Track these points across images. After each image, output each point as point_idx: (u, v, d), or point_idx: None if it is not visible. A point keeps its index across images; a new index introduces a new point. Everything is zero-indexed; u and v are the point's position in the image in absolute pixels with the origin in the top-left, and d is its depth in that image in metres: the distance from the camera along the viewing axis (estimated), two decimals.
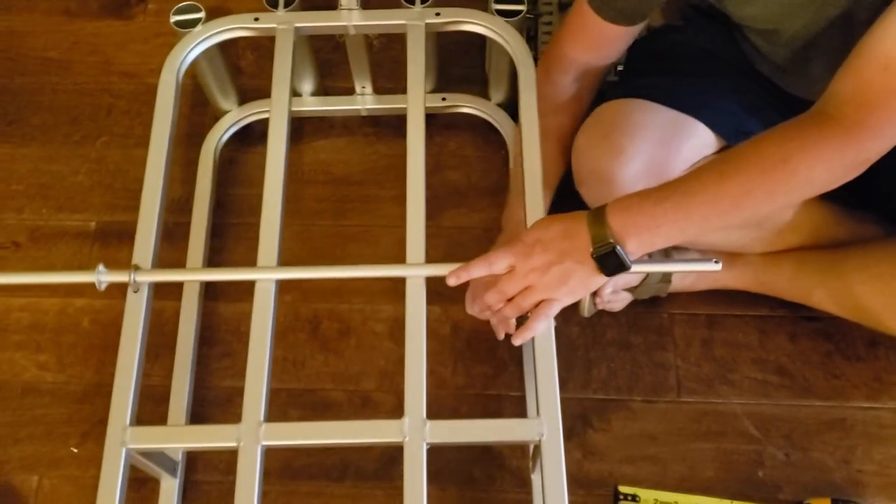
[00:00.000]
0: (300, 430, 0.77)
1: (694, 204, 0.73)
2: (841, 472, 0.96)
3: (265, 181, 0.87)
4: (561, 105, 0.96)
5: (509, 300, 0.81)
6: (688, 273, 1.01)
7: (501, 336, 0.93)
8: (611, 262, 0.75)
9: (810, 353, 1.03)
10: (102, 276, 0.79)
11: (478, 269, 0.79)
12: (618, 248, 0.74)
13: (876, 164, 0.74)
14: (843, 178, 0.73)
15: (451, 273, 0.78)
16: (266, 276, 0.81)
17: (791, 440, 0.98)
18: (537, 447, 0.73)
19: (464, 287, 1.07)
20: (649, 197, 0.75)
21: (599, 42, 0.91)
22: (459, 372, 1.03)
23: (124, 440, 0.73)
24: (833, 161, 0.71)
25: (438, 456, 0.96)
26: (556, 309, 0.78)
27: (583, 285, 0.78)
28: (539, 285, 0.77)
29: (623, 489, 0.94)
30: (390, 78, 1.22)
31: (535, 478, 0.91)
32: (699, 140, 0.91)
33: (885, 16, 0.69)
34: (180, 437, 0.80)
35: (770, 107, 0.93)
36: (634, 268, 0.79)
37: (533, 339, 0.78)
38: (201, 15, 1.00)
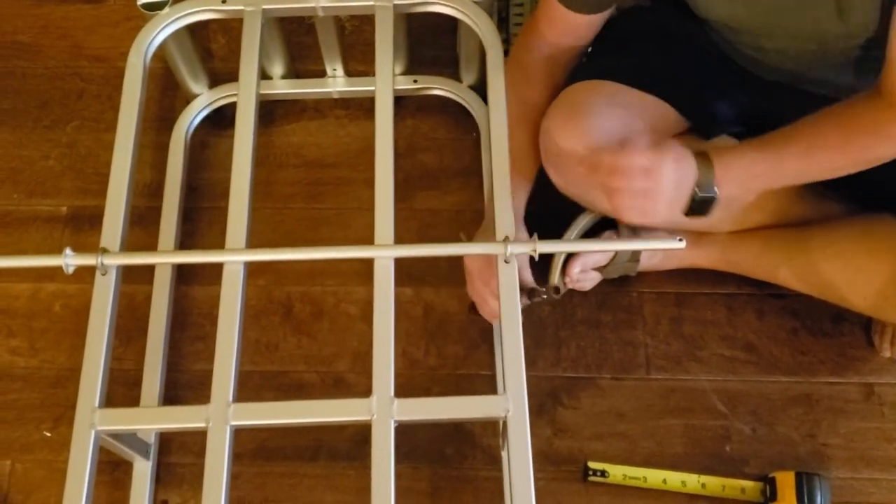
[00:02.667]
0: (268, 410, 0.77)
1: (783, 169, 0.81)
2: (806, 445, 0.98)
3: (233, 163, 0.87)
4: (532, 75, 0.95)
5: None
6: (656, 252, 1.02)
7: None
8: (703, 206, 0.80)
9: (777, 329, 1.04)
10: (70, 260, 0.79)
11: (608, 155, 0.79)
12: (717, 194, 0.79)
13: None
14: None
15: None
16: (234, 258, 0.81)
17: (757, 415, 1.00)
18: (505, 424, 0.74)
19: (435, 270, 1.08)
20: (746, 154, 0.81)
21: (570, 29, 0.91)
22: (431, 353, 1.04)
23: (93, 422, 0.73)
24: None
25: (411, 435, 0.97)
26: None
27: (657, 212, 0.80)
28: (630, 194, 0.79)
29: (592, 465, 0.96)
30: (362, 60, 1.22)
31: (505, 455, 0.92)
32: (665, 121, 0.92)
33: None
34: (149, 419, 0.80)
35: (736, 86, 0.94)
36: (602, 246, 0.80)
37: (500, 316, 0.78)
38: None
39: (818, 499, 0.91)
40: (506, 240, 0.79)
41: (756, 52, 0.89)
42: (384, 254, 0.80)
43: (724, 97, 0.94)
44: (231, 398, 0.75)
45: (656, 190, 0.78)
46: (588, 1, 0.87)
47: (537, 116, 0.95)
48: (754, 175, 0.81)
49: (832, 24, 0.79)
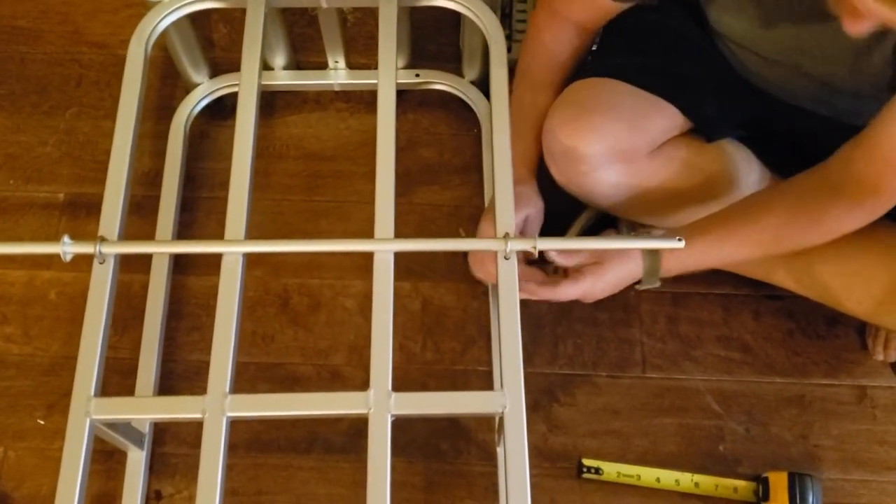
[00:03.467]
0: (265, 401, 0.77)
1: (726, 249, 0.86)
2: (798, 446, 0.99)
3: (233, 154, 0.86)
4: (540, 88, 0.95)
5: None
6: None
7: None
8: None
9: (772, 330, 1.05)
10: (67, 248, 0.79)
11: (544, 297, 0.87)
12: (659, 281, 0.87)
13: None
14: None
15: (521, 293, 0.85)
16: (233, 249, 0.81)
17: (751, 415, 1.00)
18: (501, 420, 0.74)
19: (433, 264, 1.08)
20: (693, 253, 0.85)
21: (591, 11, 0.90)
22: (428, 347, 1.04)
23: (88, 411, 0.73)
24: (858, 221, 0.82)
25: (406, 429, 0.97)
26: None
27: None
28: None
29: (587, 462, 0.96)
30: (364, 53, 1.22)
31: (501, 450, 0.93)
32: (668, 122, 0.92)
33: (892, 112, 0.72)
34: (145, 408, 0.80)
35: (741, 92, 0.94)
36: (597, 244, 0.82)
37: (498, 311, 0.78)
38: None
39: (810, 499, 0.92)
40: (506, 236, 0.79)
41: (760, 71, 0.90)
42: (384, 248, 0.80)
43: (728, 101, 0.94)
44: (228, 389, 0.74)
45: (587, 300, 0.87)
46: None
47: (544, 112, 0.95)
48: (700, 263, 0.88)
49: (844, 77, 0.80)
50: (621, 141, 0.89)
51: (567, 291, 0.85)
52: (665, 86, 0.91)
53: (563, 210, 1.03)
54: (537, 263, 0.89)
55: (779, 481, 0.93)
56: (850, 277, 0.90)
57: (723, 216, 0.87)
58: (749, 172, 0.95)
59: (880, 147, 0.75)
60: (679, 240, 0.79)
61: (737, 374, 1.03)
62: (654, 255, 0.85)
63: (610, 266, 0.85)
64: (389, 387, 0.74)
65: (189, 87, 1.17)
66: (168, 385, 1.01)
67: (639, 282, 0.87)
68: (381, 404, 0.73)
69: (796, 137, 0.94)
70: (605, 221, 1.05)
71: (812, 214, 0.82)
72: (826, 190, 0.81)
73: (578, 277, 0.85)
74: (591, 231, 1.05)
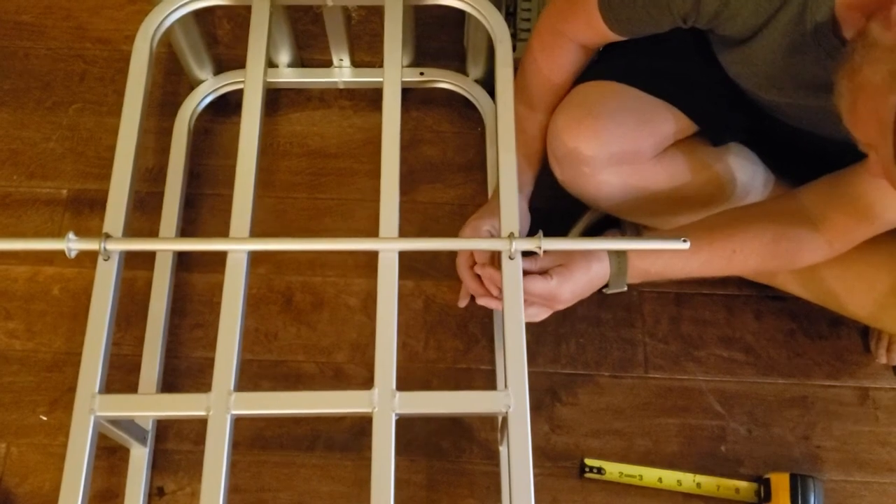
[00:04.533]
0: (270, 399, 0.77)
1: (693, 263, 0.85)
2: (800, 447, 0.99)
3: (238, 152, 0.86)
4: (538, 104, 0.95)
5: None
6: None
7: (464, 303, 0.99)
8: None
9: (775, 331, 1.05)
10: (72, 244, 0.79)
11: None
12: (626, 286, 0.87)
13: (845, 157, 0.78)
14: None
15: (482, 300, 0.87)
16: (238, 246, 0.81)
17: (753, 416, 1.00)
18: (505, 419, 0.74)
19: (436, 263, 1.08)
20: (660, 258, 0.86)
21: (596, 37, 0.88)
22: (431, 346, 1.04)
23: (93, 408, 0.73)
24: (826, 256, 0.86)
25: (408, 428, 0.97)
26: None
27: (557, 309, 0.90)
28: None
29: (589, 462, 0.96)
30: (368, 51, 1.22)
31: (503, 450, 0.93)
32: (673, 125, 0.92)
33: (865, 166, 0.72)
34: (149, 406, 0.80)
35: (744, 95, 0.94)
36: (605, 245, 0.82)
37: (503, 312, 0.78)
38: None
39: (812, 501, 0.92)
40: (510, 236, 0.79)
41: (762, 102, 0.90)
42: (389, 247, 0.80)
43: (733, 105, 0.94)
44: (233, 387, 0.74)
45: (554, 305, 0.87)
46: (631, 29, 0.84)
47: (538, 132, 0.95)
48: (666, 272, 0.88)
49: (835, 130, 0.81)
50: (626, 144, 0.89)
51: (535, 284, 0.83)
52: (670, 89, 0.91)
53: (565, 210, 1.04)
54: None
55: (780, 482, 0.93)
56: (853, 282, 0.90)
57: (698, 228, 0.87)
58: (754, 176, 0.95)
59: (857, 197, 0.79)
60: (684, 241, 0.79)
61: (739, 374, 1.03)
62: (621, 257, 0.85)
63: (576, 267, 0.84)
64: (394, 386, 0.74)
65: (193, 84, 1.17)
66: (171, 382, 1.01)
67: (606, 285, 0.87)
68: (385, 403, 0.73)
69: (800, 142, 0.94)
70: (607, 222, 1.05)
71: (785, 244, 0.84)
72: (802, 222, 0.84)
73: (545, 276, 0.84)
74: (594, 232, 1.05)
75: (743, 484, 0.95)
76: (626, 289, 0.88)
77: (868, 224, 0.81)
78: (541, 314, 0.91)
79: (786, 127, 0.91)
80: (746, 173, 0.94)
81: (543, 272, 0.84)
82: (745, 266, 0.87)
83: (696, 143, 0.94)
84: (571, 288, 0.85)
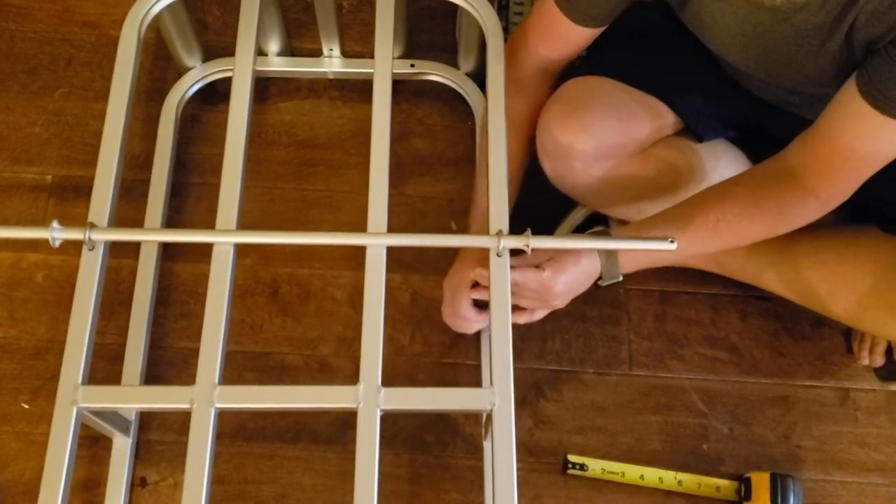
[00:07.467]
0: (254, 393, 0.77)
1: (682, 241, 0.83)
2: (781, 447, 1.00)
3: (226, 141, 0.86)
4: (522, 90, 0.94)
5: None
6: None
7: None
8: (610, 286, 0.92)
9: (759, 331, 1.06)
10: (57, 234, 0.78)
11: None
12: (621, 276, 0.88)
13: None
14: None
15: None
16: (224, 239, 0.80)
17: (735, 415, 1.01)
18: (489, 416, 0.75)
19: (423, 257, 1.08)
20: (644, 230, 0.86)
21: (565, 40, 0.89)
22: (417, 340, 1.04)
23: (76, 399, 0.73)
24: (815, 212, 0.83)
25: (393, 422, 0.97)
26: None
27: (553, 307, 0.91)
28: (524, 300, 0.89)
29: (572, 458, 0.97)
30: (359, 41, 1.21)
31: (487, 445, 0.93)
32: (661, 121, 0.93)
33: (840, 103, 0.74)
34: (133, 398, 0.80)
35: (728, 88, 0.94)
36: (593, 245, 0.82)
37: (489, 309, 0.78)
38: None
39: (791, 500, 0.93)
40: (499, 234, 0.79)
41: (735, 75, 0.90)
42: (377, 242, 0.80)
43: (718, 99, 0.94)
44: (217, 380, 0.74)
45: (549, 300, 0.87)
46: (594, 14, 0.85)
47: (520, 121, 0.94)
48: (655, 258, 0.89)
49: (805, 79, 0.81)
50: (614, 138, 0.89)
51: (527, 276, 0.84)
52: (658, 85, 0.92)
53: (553, 208, 1.04)
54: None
55: (761, 481, 0.94)
56: (837, 283, 0.91)
57: (676, 209, 0.86)
58: (740, 172, 0.95)
59: (829, 133, 0.77)
60: (671, 241, 0.80)
61: (722, 373, 1.03)
62: (610, 252, 0.85)
63: (567, 260, 0.85)
64: (379, 382, 0.74)
65: (181, 71, 1.16)
66: (155, 372, 1.00)
67: (600, 278, 0.87)
68: (370, 399, 0.73)
69: (784, 139, 0.94)
70: (594, 218, 1.05)
71: (768, 202, 0.82)
72: (783, 177, 0.82)
73: (537, 269, 0.84)
74: (582, 228, 1.06)
75: (724, 482, 0.96)
76: (621, 278, 0.87)
77: (849, 162, 0.77)
78: (538, 312, 0.91)
79: (766, 116, 0.91)
80: (732, 170, 0.95)
81: (537, 265, 0.84)
82: (734, 233, 0.84)
83: (682, 140, 0.94)
84: (564, 280, 0.85)
